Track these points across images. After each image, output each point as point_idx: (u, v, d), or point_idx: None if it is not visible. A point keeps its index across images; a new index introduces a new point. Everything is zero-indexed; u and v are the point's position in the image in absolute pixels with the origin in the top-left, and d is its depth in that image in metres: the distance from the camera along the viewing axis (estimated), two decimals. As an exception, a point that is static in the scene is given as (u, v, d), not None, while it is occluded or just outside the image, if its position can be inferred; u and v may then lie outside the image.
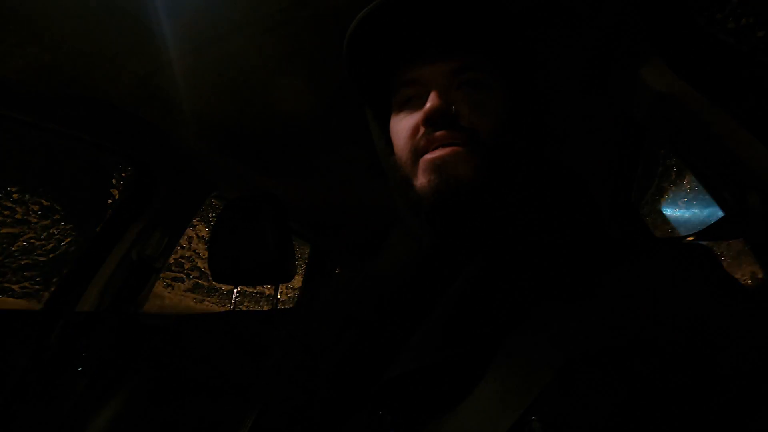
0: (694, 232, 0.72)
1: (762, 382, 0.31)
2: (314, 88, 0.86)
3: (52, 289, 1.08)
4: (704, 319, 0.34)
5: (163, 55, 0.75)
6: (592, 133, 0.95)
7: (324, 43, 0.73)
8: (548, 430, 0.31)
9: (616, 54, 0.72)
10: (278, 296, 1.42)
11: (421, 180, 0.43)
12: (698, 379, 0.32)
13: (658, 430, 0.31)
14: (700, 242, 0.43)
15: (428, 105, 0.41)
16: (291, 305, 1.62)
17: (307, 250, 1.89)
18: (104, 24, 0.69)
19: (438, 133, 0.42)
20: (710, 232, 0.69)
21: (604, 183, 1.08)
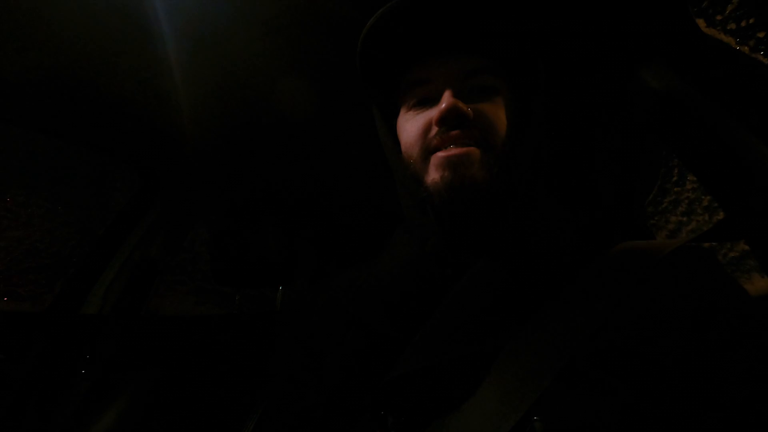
0: (696, 233, 0.72)
1: (763, 383, 0.31)
2: (315, 89, 0.86)
3: (56, 291, 1.08)
4: (706, 321, 0.34)
5: (165, 57, 0.76)
6: (591, 134, 0.95)
7: (325, 44, 0.74)
8: (550, 430, 0.32)
9: (617, 54, 0.72)
10: (280, 298, 1.43)
11: (433, 176, 0.43)
12: (700, 379, 0.32)
13: (659, 430, 0.31)
14: (702, 244, 0.43)
15: (444, 105, 0.42)
16: (293, 307, 1.62)
17: (309, 251, 1.89)
18: (106, 27, 0.69)
19: (453, 132, 0.42)
20: (712, 233, 0.68)
21: (604, 184, 1.08)
